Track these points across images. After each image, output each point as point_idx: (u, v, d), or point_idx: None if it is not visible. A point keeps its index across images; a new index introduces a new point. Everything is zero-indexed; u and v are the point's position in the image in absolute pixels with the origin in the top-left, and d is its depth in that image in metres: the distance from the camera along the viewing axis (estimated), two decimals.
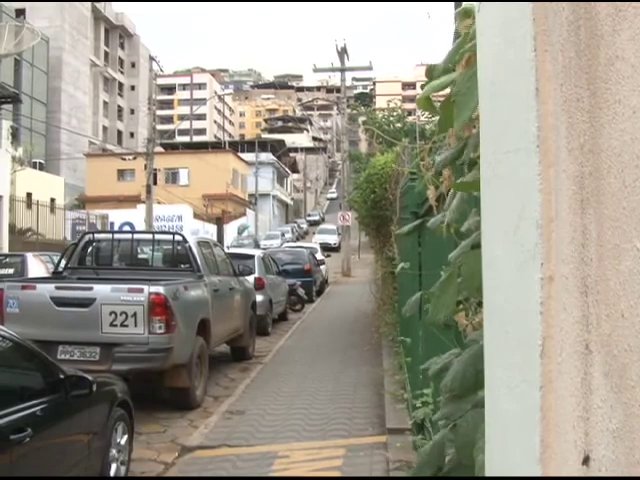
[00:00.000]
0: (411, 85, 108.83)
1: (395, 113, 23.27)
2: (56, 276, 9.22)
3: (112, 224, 34.55)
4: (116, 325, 7.18)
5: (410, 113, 35.96)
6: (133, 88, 75.45)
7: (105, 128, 70.18)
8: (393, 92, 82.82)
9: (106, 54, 70.30)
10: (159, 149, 48.13)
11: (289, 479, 5.38)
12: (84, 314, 7.23)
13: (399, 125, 22.09)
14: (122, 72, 74.61)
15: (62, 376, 4.41)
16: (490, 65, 1.03)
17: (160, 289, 7.32)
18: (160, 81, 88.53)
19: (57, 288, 7.53)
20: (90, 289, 7.40)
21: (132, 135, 74.41)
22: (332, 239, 44.21)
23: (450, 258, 1.49)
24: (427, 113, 17.27)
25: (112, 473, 5.12)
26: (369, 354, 11.06)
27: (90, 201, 46.53)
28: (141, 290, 7.26)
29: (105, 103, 70.25)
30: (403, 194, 7.28)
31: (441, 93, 1.52)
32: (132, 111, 75.38)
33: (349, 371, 9.86)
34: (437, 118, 1.70)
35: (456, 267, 1.40)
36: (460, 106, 1.26)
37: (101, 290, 7.38)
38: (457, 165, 1.64)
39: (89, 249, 9.62)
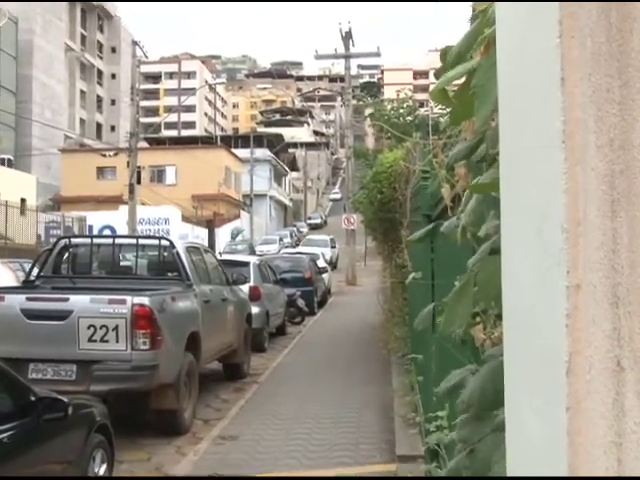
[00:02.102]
0: (423, 73, 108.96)
1: (405, 105, 23.27)
2: (27, 286, 9.23)
3: (91, 228, 34.59)
4: (95, 340, 7.18)
5: (422, 104, 36.04)
6: (114, 76, 75.60)
7: (82, 121, 70.30)
8: (403, 81, 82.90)
9: (83, 38, 70.38)
10: (143, 144, 48.18)
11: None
12: (59, 328, 7.23)
13: (410, 118, 22.11)
14: (101, 58, 74.75)
15: (33, 398, 4.40)
16: (510, 52, 1.03)
17: (145, 300, 7.32)
18: (144, 68, 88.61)
19: (28, 299, 7.53)
20: (66, 300, 7.40)
21: (113, 129, 74.55)
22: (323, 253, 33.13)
23: (468, 265, 1.49)
24: (442, 105, 17.31)
25: None
26: (376, 372, 11.04)
27: (66, 202, 46.60)
28: (123, 301, 7.26)
29: (82, 93, 70.35)
30: (414, 195, 7.29)
31: (455, 82, 1.53)
32: (113, 102, 75.52)
33: (354, 391, 9.85)
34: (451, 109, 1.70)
35: (472, 274, 1.41)
36: (481, 99, 1.26)
37: (78, 301, 7.38)
38: (474, 162, 1.64)
39: (65, 255, 9.62)
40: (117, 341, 7.18)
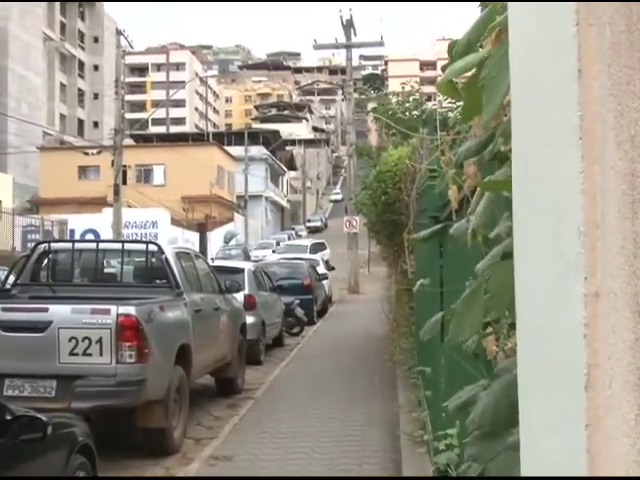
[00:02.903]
0: (431, 65, 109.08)
1: (412, 98, 23.20)
2: (3, 295, 9.22)
3: (72, 232, 34.57)
4: (77, 354, 7.17)
5: (430, 98, 36.03)
6: (96, 68, 75.66)
7: (63, 116, 70.33)
8: (409, 73, 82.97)
9: (63, 26, 70.38)
10: (129, 142, 48.26)
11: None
12: (37, 340, 7.22)
13: (416, 113, 22.06)
14: (83, 48, 74.78)
15: (9, 417, 4.39)
16: (523, 42, 1.04)
17: (131, 309, 7.32)
18: (129, 60, 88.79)
19: (4, 310, 7.52)
20: (45, 310, 7.40)
21: (96, 125, 74.59)
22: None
23: (477, 270, 1.49)
24: (449, 98, 17.32)
25: None
26: (381, 387, 11.04)
27: (45, 204, 46.66)
28: (108, 311, 7.26)
29: (62, 86, 70.36)
30: (420, 195, 7.29)
31: (465, 74, 1.52)
32: (96, 96, 75.57)
33: (357, 407, 9.85)
34: (461, 104, 1.70)
35: (483, 280, 1.41)
36: (490, 92, 1.27)
37: (59, 311, 7.37)
38: (485, 160, 1.64)
39: (44, 262, 9.61)
40: (101, 354, 7.17)
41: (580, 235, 0.88)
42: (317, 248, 38.34)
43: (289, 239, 53.99)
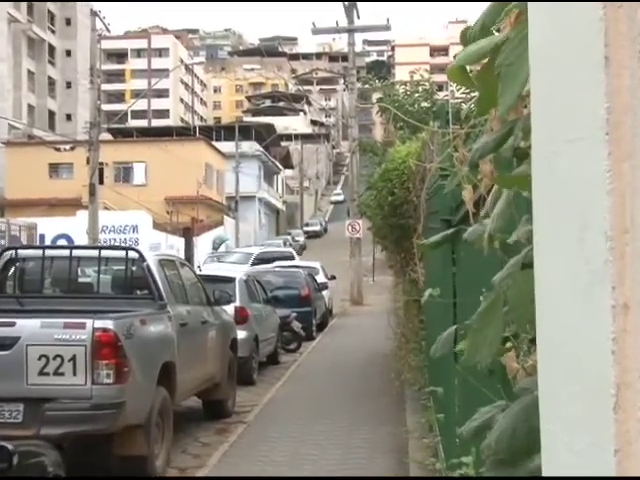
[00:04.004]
0: (442, 50, 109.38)
1: (421, 88, 23.22)
2: None
3: (42, 237, 34.57)
4: (48, 373, 7.16)
5: (441, 88, 36.04)
6: (69, 54, 75.63)
7: (31, 107, 70.26)
8: (418, 60, 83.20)
9: (30, 7, 70.27)
10: (106, 136, 48.25)
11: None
12: (3, 359, 7.20)
13: (426, 104, 22.09)
14: (53, 31, 74.73)
15: None
16: (545, 26, 1.04)
17: (108, 324, 7.31)
18: (106, 45, 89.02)
19: None
20: (11, 325, 7.39)
21: (69, 117, 74.57)
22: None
23: (494, 281, 1.49)
24: (463, 87, 17.35)
25: None
26: (388, 409, 11.03)
27: (11, 206, 46.65)
28: (82, 325, 7.25)
29: (30, 73, 70.29)
30: (431, 196, 7.30)
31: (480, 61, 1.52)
32: (68, 85, 75.55)
33: (361, 432, 9.84)
34: (476, 94, 1.70)
35: (501, 292, 1.41)
36: (506, 80, 1.26)
37: (27, 326, 7.37)
38: (502, 158, 1.65)
39: (10, 271, 9.61)
40: (74, 374, 7.16)
41: (607, 240, 0.88)
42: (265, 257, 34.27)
43: (285, 246, 53.97)
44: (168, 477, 5.72)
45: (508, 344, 1.74)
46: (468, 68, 1.65)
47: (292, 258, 35.29)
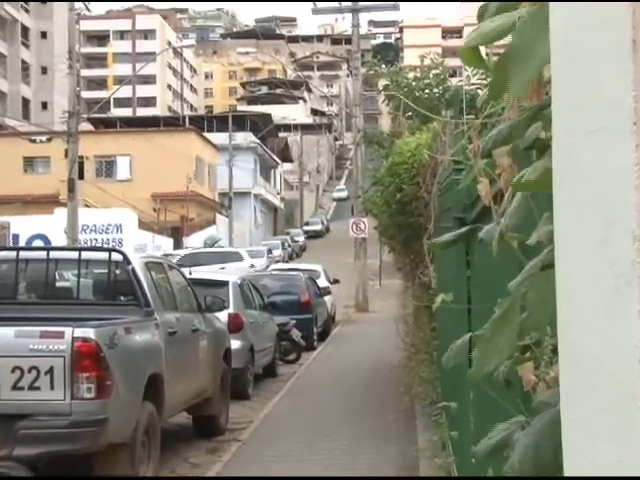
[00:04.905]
0: (455, 32, 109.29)
1: (432, 73, 23.25)
2: None
3: (16, 237, 34.59)
4: (22, 388, 7.15)
5: (455, 73, 36.03)
6: (45, 35, 75.57)
7: (3, 94, 70.25)
8: (429, 42, 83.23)
9: None
10: (87, 127, 48.29)
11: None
12: None
13: (438, 91, 22.13)
14: (27, 11, 74.65)
15: None
16: (566, 9, 1.04)
17: (89, 332, 7.31)
18: (86, 26, 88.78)
19: None
20: None
21: (45, 106, 74.56)
22: None
23: (510, 287, 1.49)
24: (479, 72, 17.32)
25: None
26: (396, 426, 11.03)
27: None
28: (61, 334, 7.25)
29: (2, 56, 70.28)
30: (443, 192, 7.30)
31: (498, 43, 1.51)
32: (44, 70, 75.52)
33: (367, 451, 9.83)
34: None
35: (517, 297, 1.41)
36: (520, 62, 1.25)
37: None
38: (521, 149, 1.64)
39: None
40: (52, 388, 7.15)
41: (635, 240, 0.89)
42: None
43: (283, 246, 53.98)
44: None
45: (528, 353, 1.74)
46: (484, 51, 1.64)
47: (240, 259, 34.35)
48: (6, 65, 70.85)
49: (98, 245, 33.91)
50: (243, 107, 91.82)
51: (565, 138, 1.04)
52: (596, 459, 0.96)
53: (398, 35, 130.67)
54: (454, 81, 25.28)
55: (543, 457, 1.36)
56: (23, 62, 73.31)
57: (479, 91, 12.38)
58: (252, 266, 32.39)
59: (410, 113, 18.58)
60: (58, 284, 10.09)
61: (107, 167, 52.72)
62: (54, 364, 7.16)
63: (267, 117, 73.19)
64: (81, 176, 34.14)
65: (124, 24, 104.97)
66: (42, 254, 9.97)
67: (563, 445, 1.07)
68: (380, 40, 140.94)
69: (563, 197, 1.05)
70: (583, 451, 1.00)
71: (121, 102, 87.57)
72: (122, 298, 9.35)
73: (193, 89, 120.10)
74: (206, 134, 59.87)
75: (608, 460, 0.94)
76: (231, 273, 21.14)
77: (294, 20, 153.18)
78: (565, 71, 1.05)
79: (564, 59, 1.05)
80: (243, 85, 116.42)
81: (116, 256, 9.32)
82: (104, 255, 9.64)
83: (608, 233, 0.93)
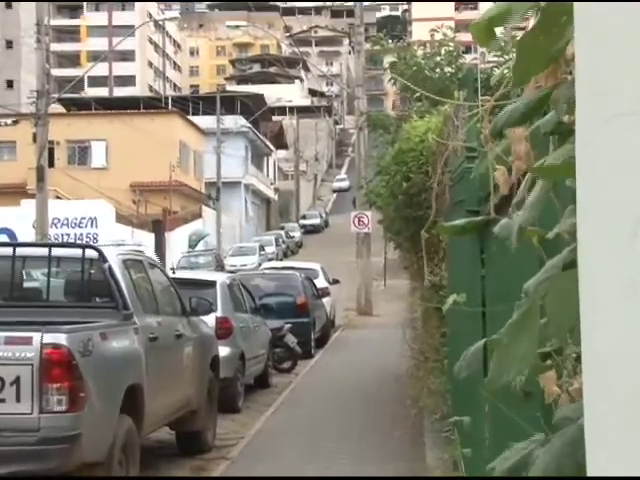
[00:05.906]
0: (470, 2, 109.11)
1: (444, 50, 23.15)
2: None
3: None
4: None
5: (468, 49, 35.99)
6: (10, 5, 75.43)
7: None
8: (440, 15, 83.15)
9: None
10: (57, 108, 48.22)
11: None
12: None
13: (450, 70, 22.06)
14: None
15: None
16: None
17: (61, 338, 7.31)
18: None
19: None
20: None
21: (10, 84, 74.53)
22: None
23: (527, 288, 1.49)
24: (494, 50, 17.30)
25: None
26: (402, 443, 11.03)
27: None
28: (28, 340, 7.25)
29: None
30: (455, 182, 7.31)
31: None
32: (9, 44, 75.45)
33: (370, 471, 9.84)
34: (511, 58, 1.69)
35: (537, 299, 1.41)
36: (546, 37, 1.25)
37: None
38: (539, 134, 1.64)
39: None
40: (18, 400, 7.16)
41: None
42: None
43: (277, 243, 53.97)
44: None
45: (548, 362, 1.75)
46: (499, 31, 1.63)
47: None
48: None
49: (70, 241, 33.88)
50: (232, 87, 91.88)
51: (588, 123, 1.04)
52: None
53: (406, 7, 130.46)
54: (468, 59, 25.25)
55: (565, 475, 1.36)
56: None
57: (495, 70, 12.38)
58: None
59: (419, 94, 18.59)
60: (26, 284, 10.08)
61: (80, 153, 52.64)
62: (20, 373, 7.16)
63: (259, 98, 73.08)
64: (51, 163, 34.16)
65: None
66: (7, 250, 9.96)
67: (587, 465, 1.07)
68: (386, 12, 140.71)
69: (587, 188, 1.05)
70: (610, 470, 1.00)
71: (96, 81, 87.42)
72: (97, 300, 9.36)
73: (177, 67, 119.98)
74: (191, 117, 59.83)
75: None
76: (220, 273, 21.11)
77: None
78: (588, 51, 1.05)
79: (588, 38, 1.05)
80: (232, 62, 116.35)
81: (90, 253, 9.31)
82: (77, 252, 9.63)
83: (637, 229, 0.93)
